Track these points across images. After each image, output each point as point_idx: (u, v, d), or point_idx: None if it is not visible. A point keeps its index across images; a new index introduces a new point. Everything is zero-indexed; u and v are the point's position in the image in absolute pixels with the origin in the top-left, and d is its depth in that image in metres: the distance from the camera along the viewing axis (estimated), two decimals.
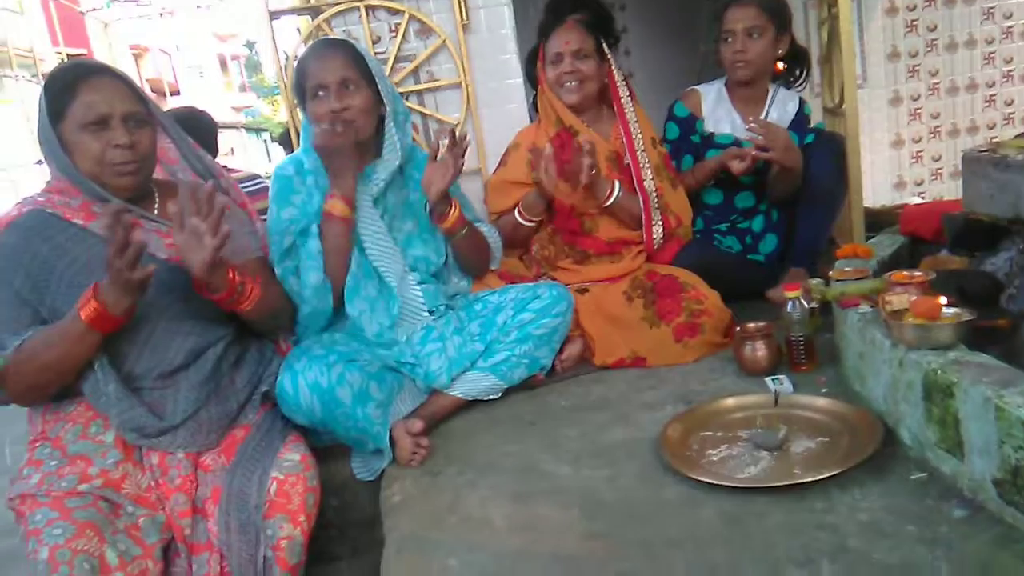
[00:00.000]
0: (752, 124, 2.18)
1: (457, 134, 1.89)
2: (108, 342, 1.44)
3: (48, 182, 1.57)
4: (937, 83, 3.44)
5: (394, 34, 2.56)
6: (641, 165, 2.25)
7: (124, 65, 15.89)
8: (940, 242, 2.17)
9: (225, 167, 3.00)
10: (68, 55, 12.81)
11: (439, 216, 1.92)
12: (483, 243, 2.07)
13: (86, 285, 1.45)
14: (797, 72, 2.42)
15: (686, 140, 2.42)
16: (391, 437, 1.69)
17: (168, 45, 21.49)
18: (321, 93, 1.80)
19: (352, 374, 1.62)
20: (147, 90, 1.84)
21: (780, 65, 2.11)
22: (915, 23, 3.36)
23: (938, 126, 3.48)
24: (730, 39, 2.28)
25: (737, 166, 2.22)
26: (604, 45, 2.29)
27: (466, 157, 1.92)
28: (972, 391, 1.17)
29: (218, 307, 1.54)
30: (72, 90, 1.47)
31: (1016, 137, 1.52)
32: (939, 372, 1.25)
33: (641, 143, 2.28)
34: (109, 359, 1.46)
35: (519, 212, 2.26)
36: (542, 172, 2.11)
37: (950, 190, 3.44)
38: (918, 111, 3.46)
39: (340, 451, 1.74)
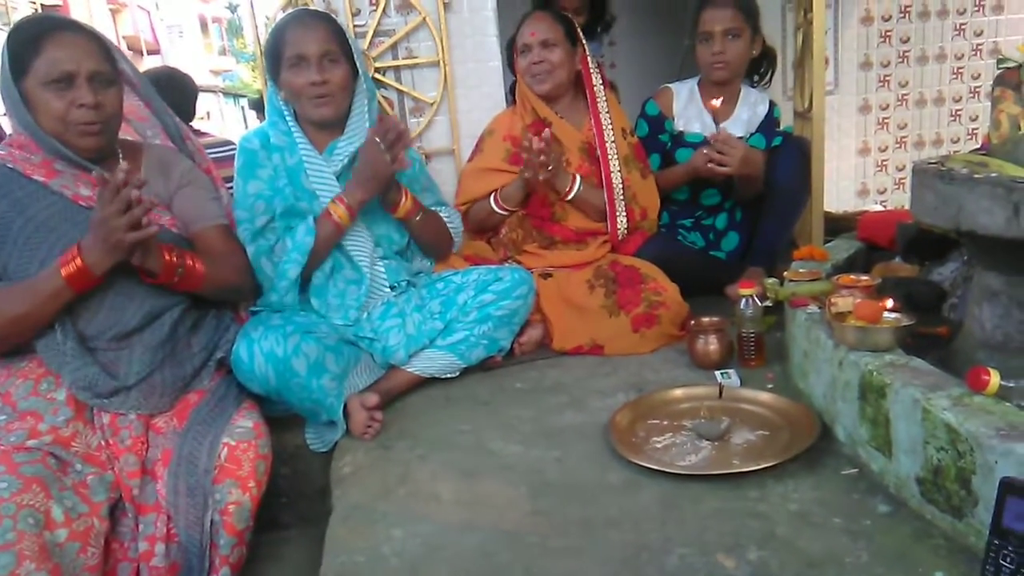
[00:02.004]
0: (712, 136, 2.22)
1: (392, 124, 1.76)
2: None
3: (9, 135, 1.55)
4: (906, 94, 3.51)
5: (374, 8, 2.53)
6: (609, 156, 2.28)
7: (100, 20, 15.42)
8: (895, 250, 2.23)
9: (197, 131, 2.97)
10: (43, 5, 12.41)
11: (389, 205, 1.89)
12: (442, 229, 2.06)
13: (43, 244, 1.44)
14: (762, 71, 2.46)
15: (654, 139, 2.45)
16: (346, 409, 1.71)
17: (147, 2, 20.90)
18: (301, 64, 1.79)
19: (308, 345, 1.64)
20: (124, 48, 1.80)
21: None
22: (889, 34, 3.43)
23: (904, 136, 3.56)
24: (708, 40, 2.30)
25: (709, 167, 2.24)
26: (577, 33, 2.31)
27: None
28: (902, 393, 1.23)
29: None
30: (36, 45, 1.44)
31: (970, 152, 1.57)
32: (874, 373, 1.30)
33: (611, 133, 2.30)
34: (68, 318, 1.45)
35: (495, 201, 2.28)
36: (530, 166, 2.12)
37: None
38: (886, 120, 3.54)
39: (294, 421, 1.75)
